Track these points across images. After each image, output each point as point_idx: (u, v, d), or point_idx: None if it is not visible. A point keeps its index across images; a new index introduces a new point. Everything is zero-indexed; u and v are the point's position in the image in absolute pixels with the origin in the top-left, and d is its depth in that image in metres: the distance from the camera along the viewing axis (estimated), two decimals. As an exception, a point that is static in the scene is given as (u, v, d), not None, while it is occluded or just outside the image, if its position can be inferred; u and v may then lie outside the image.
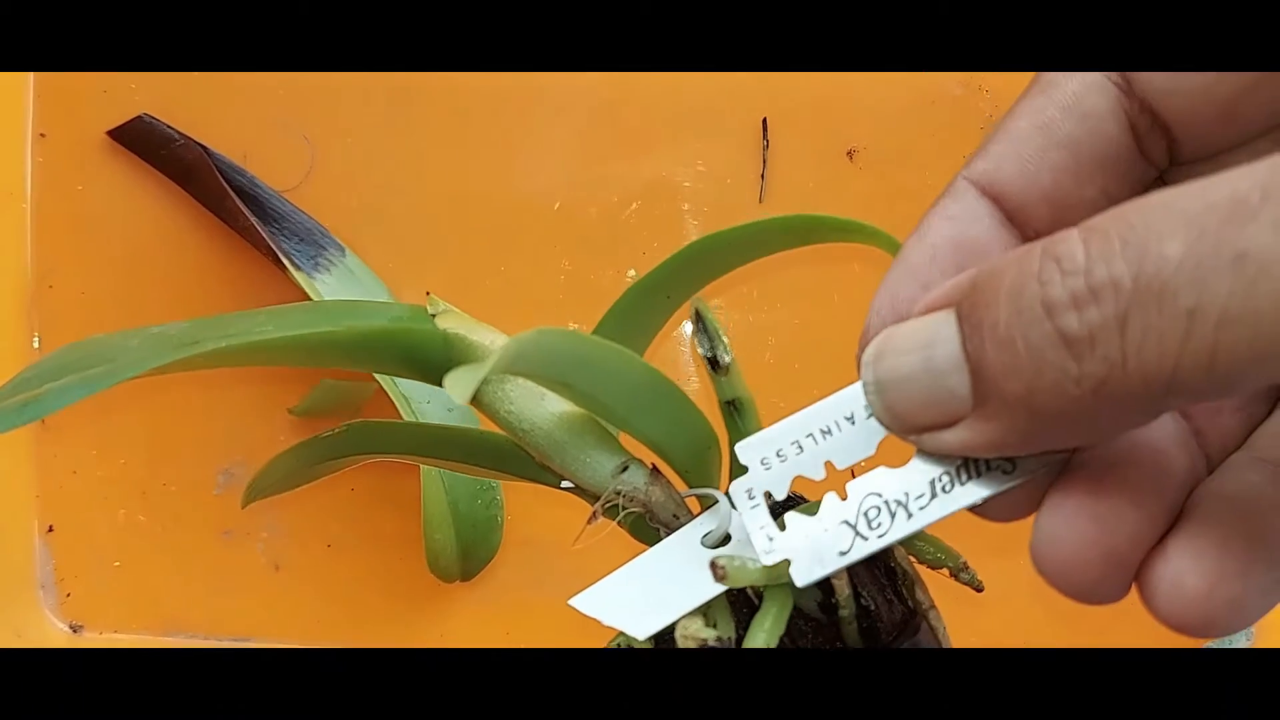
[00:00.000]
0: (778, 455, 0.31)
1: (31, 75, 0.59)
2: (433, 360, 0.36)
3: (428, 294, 0.36)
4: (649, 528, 0.37)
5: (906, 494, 0.30)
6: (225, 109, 0.59)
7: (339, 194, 0.59)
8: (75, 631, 0.60)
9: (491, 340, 0.36)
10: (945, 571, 0.37)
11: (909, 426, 0.29)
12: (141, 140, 0.59)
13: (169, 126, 0.58)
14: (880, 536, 0.30)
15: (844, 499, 0.31)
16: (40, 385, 0.34)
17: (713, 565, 0.32)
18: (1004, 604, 0.58)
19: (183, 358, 0.33)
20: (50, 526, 0.60)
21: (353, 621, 0.60)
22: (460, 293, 0.58)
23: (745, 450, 0.32)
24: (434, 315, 0.36)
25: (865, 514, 0.30)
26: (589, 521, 0.36)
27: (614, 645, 0.37)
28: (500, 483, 0.58)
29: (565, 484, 0.37)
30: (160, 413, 0.60)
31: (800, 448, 0.31)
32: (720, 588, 0.33)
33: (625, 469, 0.36)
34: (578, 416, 0.36)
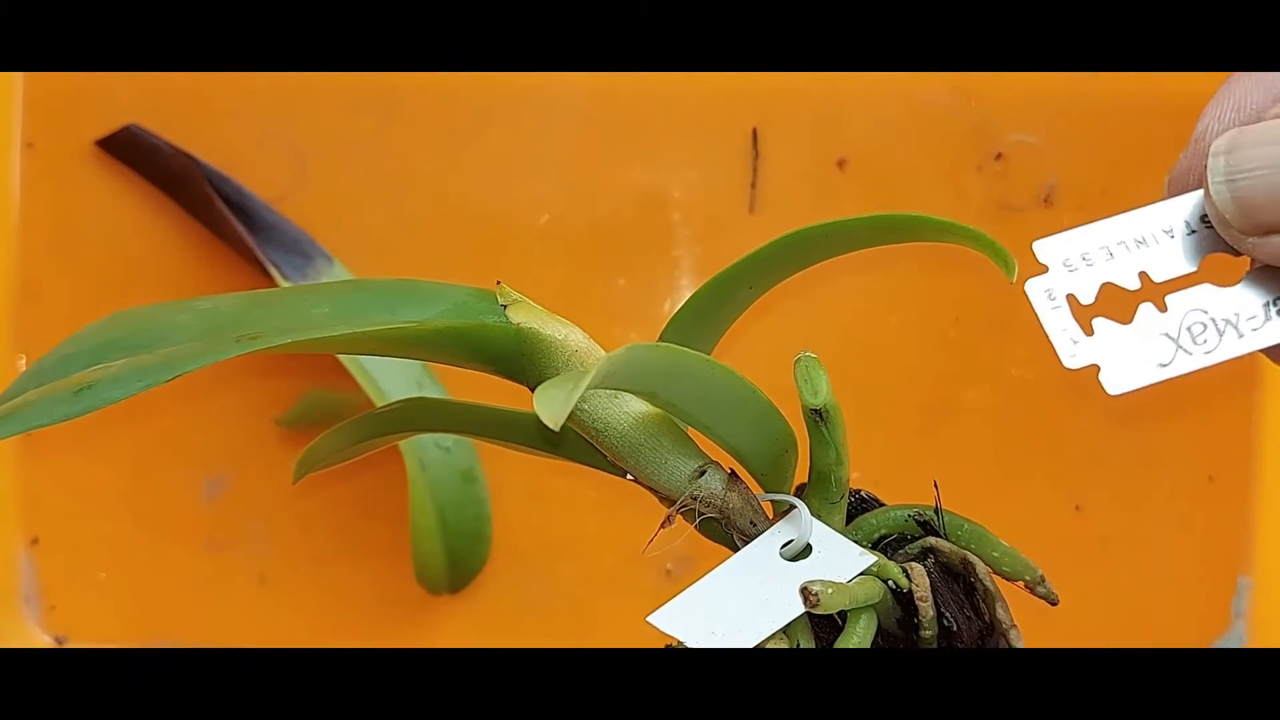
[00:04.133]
0: (1083, 259, 0.30)
1: (20, 85, 0.58)
2: (503, 354, 0.34)
3: (498, 282, 0.35)
4: (722, 530, 0.35)
5: (1237, 313, 0.28)
6: (214, 118, 0.58)
7: (327, 204, 0.58)
8: (59, 644, 0.58)
9: (565, 335, 0.34)
10: (1021, 584, 0.36)
11: (1258, 225, 0.27)
12: (130, 150, 0.57)
13: (157, 136, 0.57)
14: (1207, 353, 0.28)
15: (1163, 311, 0.29)
16: (85, 365, 0.32)
17: (804, 592, 0.31)
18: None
19: (243, 351, 0.32)
20: (35, 538, 0.59)
21: (340, 634, 0.59)
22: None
23: (1045, 249, 0.30)
24: (504, 306, 0.34)
25: (1189, 329, 0.29)
26: (663, 525, 0.35)
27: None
28: (488, 495, 0.58)
29: (630, 476, 0.35)
30: (146, 422, 0.59)
31: (1111, 254, 0.30)
32: (805, 610, 0.32)
33: (703, 474, 0.34)
34: (654, 418, 0.34)
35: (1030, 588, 0.36)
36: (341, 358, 0.55)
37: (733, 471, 0.35)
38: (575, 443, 0.36)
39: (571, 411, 0.32)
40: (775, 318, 0.57)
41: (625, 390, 0.33)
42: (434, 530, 0.56)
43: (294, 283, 0.55)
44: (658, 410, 0.34)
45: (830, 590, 0.31)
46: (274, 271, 0.56)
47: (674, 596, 0.33)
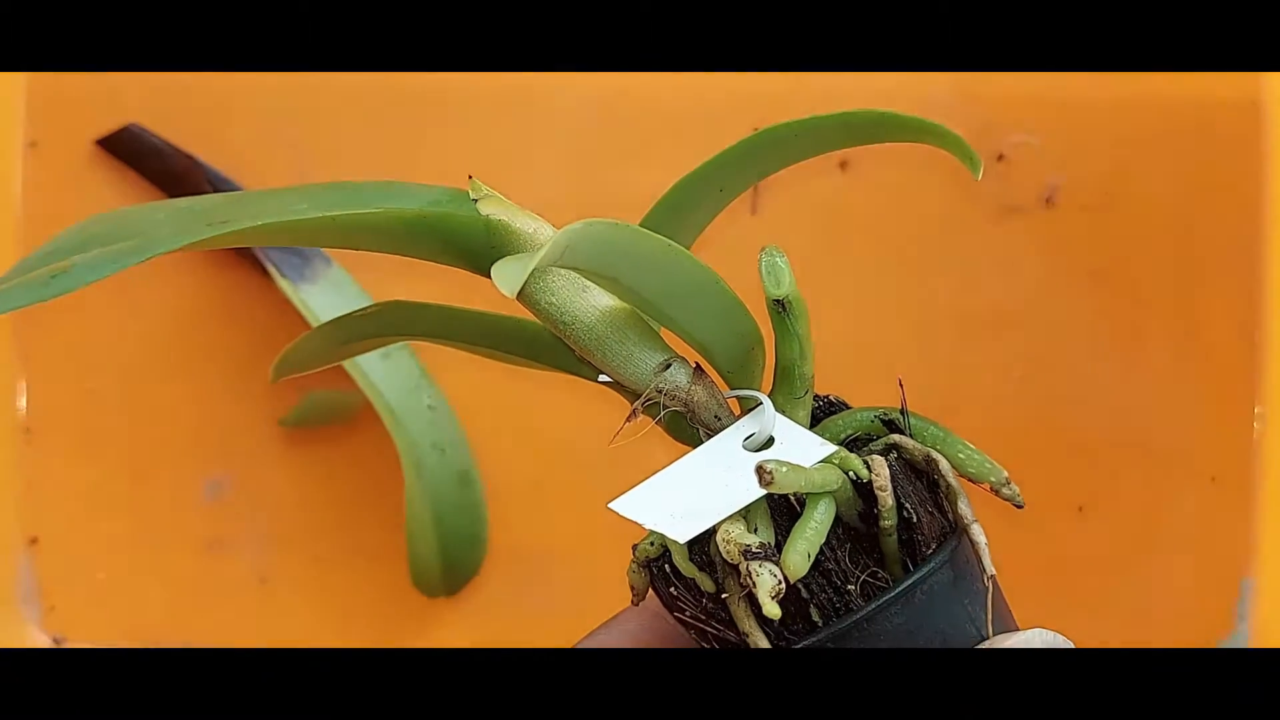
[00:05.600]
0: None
1: (24, 85, 0.58)
2: (473, 247, 0.34)
3: (470, 177, 0.34)
4: (688, 428, 0.35)
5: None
6: (218, 118, 0.58)
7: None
8: (58, 644, 0.58)
9: (535, 228, 0.34)
10: (987, 486, 0.36)
11: None
12: (130, 150, 0.57)
13: (157, 137, 0.57)
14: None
15: None
16: (66, 258, 0.32)
17: (759, 470, 0.31)
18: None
19: (214, 235, 0.31)
20: (34, 538, 0.58)
21: (339, 635, 0.58)
22: (452, 302, 0.58)
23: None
24: (476, 200, 0.34)
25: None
26: (628, 419, 0.34)
27: (649, 543, 0.35)
28: (484, 498, 0.57)
29: (603, 378, 0.35)
30: (146, 423, 0.59)
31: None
32: (763, 492, 0.32)
33: (668, 367, 0.34)
34: (621, 311, 0.34)
35: (995, 490, 0.36)
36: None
37: (698, 366, 0.35)
38: (551, 348, 0.36)
39: (539, 302, 0.33)
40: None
41: (587, 274, 0.33)
42: (429, 533, 0.56)
43: (292, 282, 0.55)
44: (624, 305, 0.34)
45: (785, 469, 0.31)
46: (273, 271, 0.56)
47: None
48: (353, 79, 0.57)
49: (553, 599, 0.58)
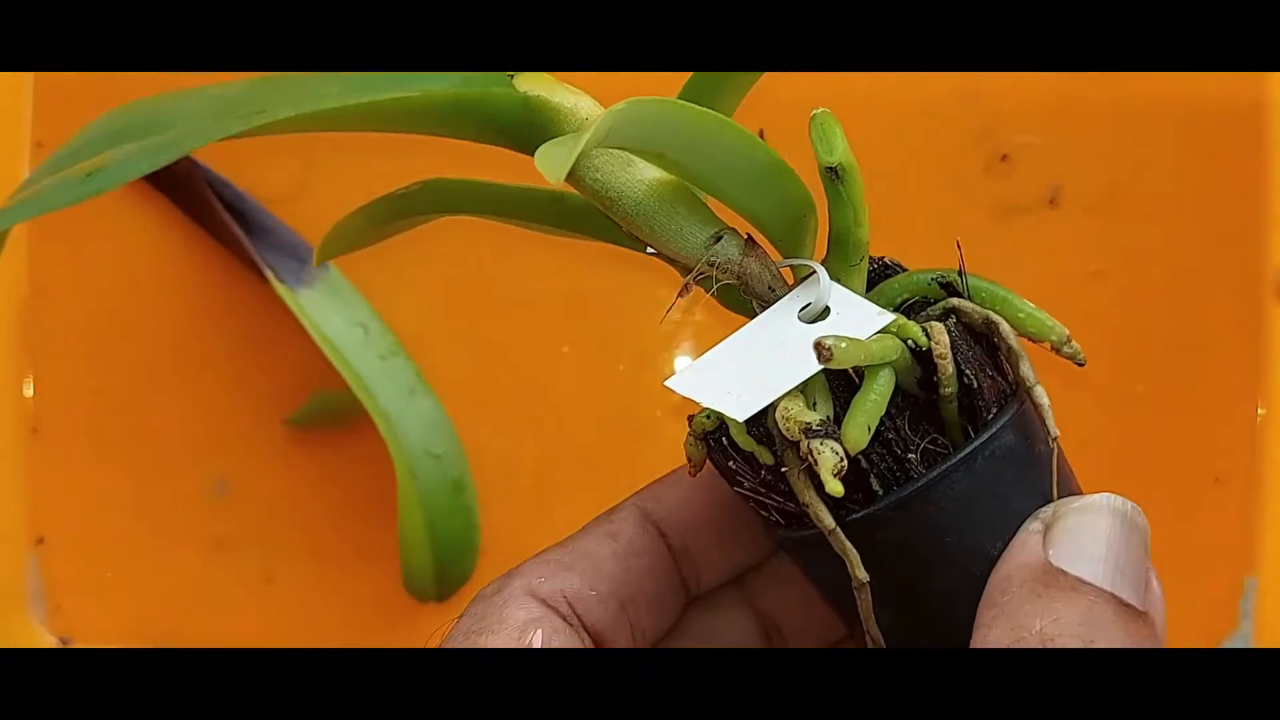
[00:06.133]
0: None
1: (30, 86, 0.58)
2: (512, 124, 0.33)
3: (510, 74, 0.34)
4: (742, 300, 0.34)
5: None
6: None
7: (331, 209, 0.58)
8: (65, 644, 0.58)
9: (574, 103, 0.33)
10: (1048, 345, 0.35)
11: None
12: (130, 150, 0.58)
13: (155, 138, 0.58)
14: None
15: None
16: (96, 153, 0.32)
17: (817, 346, 0.30)
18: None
19: (254, 126, 0.31)
20: (41, 538, 0.58)
21: (347, 635, 0.58)
22: (448, 308, 0.58)
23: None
24: (512, 77, 0.33)
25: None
26: (681, 293, 0.34)
27: (704, 416, 0.34)
28: (478, 504, 0.57)
29: (650, 250, 0.34)
30: (154, 422, 0.59)
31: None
32: (821, 367, 0.31)
33: (719, 239, 0.33)
34: (668, 184, 0.33)
35: (1056, 348, 0.35)
36: (325, 350, 0.54)
37: (749, 236, 0.34)
38: (598, 221, 0.35)
39: (584, 179, 0.32)
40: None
41: (634, 152, 0.32)
42: (422, 538, 0.56)
43: (289, 286, 0.55)
44: (672, 177, 0.33)
45: (844, 344, 0.30)
46: (270, 275, 0.56)
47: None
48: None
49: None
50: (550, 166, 0.27)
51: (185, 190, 0.57)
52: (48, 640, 0.58)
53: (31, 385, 0.59)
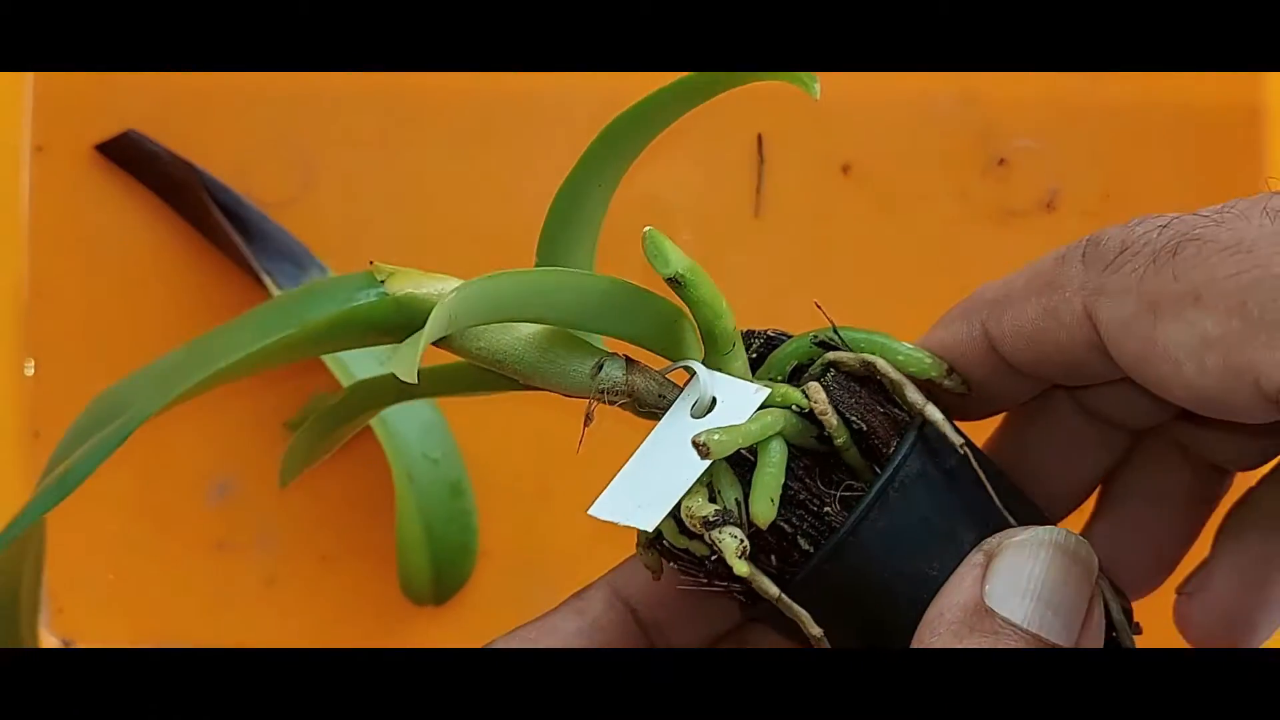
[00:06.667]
0: None
1: (30, 89, 0.58)
2: (391, 326, 0.36)
3: (371, 263, 0.36)
4: (646, 412, 0.36)
5: None
6: (223, 123, 0.58)
7: (328, 214, 0.58)
8: (67, 646, 0.59)
9: (440, 289, 0.35)
10: (929, 381, 0.36)
11: None
12: (129, 156, 0.58)
13: (155, 143, 0.58)
14: None
15: None
16: (71, 453, 0.37)
17: (694, 444, 0.32)
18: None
19: (180, 393, 0.35)
20: (43, 540, 0.59)
21: (347, 636, 0.59)
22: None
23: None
24: (382, 281, 0.36)
25: None
26: (585, 424, 0.36)
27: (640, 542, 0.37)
28: (476, 508, 0.57)
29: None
30: (154, 425, 0.59)
31: None
32: (708, 464, 0.33)
33: (601, 368, 0.35)
34: (542, 334, 0.35)
35: (938, 383, 0.36)
36: (330, 366, 0.56)
37: (627, 357, 0.36)
38: (500, 380, 0.38)
39: (470, 350, 0.35)
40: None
41: (488, 323, 0.35)
42: (420, 542, 0.56)
43: (287, 290, 0.56)
44: (545, 326, 0.36)
45: (717, 436, 0.32)
46: (268, 280, 0.56)
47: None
48: (360, 86, 0.57)
49: (543, 607, 0.58)
50: (403, 369, 0.30)
51: (184, 196, 0.57)
52: (50, 642, 0.59)
53: (33, 389, 0.59)
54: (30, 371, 0.59)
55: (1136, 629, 0.38)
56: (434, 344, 0.33)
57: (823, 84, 0.57)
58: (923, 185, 0.58)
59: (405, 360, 0.30)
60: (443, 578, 0.57)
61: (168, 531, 0.59)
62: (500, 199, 0.58)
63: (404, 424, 0.55)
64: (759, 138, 0.58)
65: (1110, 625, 0.36)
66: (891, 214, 0.58)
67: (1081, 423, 0.39)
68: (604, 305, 0.35)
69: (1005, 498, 0.35)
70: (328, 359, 0.55)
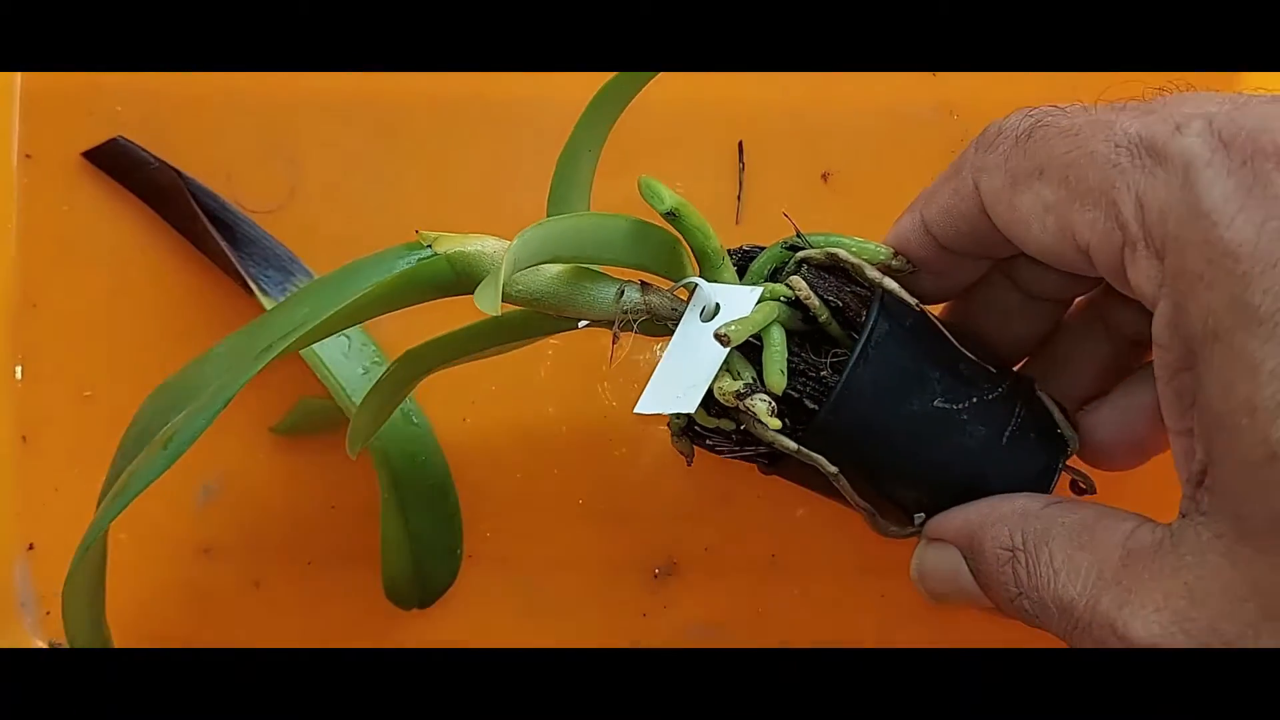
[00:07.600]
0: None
1: (17, 96, 0.58)
2: (446, 282, 0.42)
3: (417, 231, 0.42)
4: (660, 326, 0.44)
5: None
6: (210, 130, 0.58)
7: (314, 221, 0.58)
8: (54, 648, 0.59)
9: (481, 245, 0.42)
10: (880, 266, 0.44)
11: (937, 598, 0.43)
12: (117, 162, 0.58)
13: (143, 149, 0.58)
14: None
15: None
16: (154, 432, 0.41)
17: (717, 336, 0.40)
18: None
19: (263, 364, 0.39)
20: (31, 544, 0.59)
21: (333, 638, 0.59)
22: (430, 317, 0.58)
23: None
24: (429, 245, 0.42)
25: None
26: (614, 341, 0.43)
27: (674, 416, 0.44)
28: (460, 511, 0.58)
29: (583, 323, 0.43)
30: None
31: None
32: (727, 350, 0.41)
33: (622, 293, 0.43)
34: (568, 270, 0.43)
35: (888, 267, 0.44)
36: (310, 363, 0.56)
37: (642, 281, 0.44)
38: (532, 323, 0.45)
39: (512, 294, 0.42)
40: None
41: (539, 263, 0.41)
42: (403, 545, 0.56)
43: (274, 298, 0.56)
44: (569, 265, 0.43)
45: (734, 326, 0.40)
46: (254, 286, 0.56)
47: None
48: (348, 92, 0.57)
49: (526, 612, 0.58)
50: (486, 303, 0.35)
51: (171, 202, 0.57)
52: (38, 645, 0.58)
53: (21, 393, 0.59)
54: (19, 376, 0.59)
55: (1090, 487, 0.46)
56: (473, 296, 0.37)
57: (803, 92, 0.57)
58: (902, 193, 0.58)
59: (488, 295, 0.35)
60: (427, 582, 0.57)
61: (154, 535, 0.59)
62: (484, 205, 0.58)
63: (388, 427, 0.55)
64: (740, 145, 0.58)
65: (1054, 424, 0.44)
66: (869, 219, 0.58)
67: (1013, 296, 0.45)
68: (627, 238, 0.42)
69: (959, 339, 0.43)
70: (310, 362, 0.55)
